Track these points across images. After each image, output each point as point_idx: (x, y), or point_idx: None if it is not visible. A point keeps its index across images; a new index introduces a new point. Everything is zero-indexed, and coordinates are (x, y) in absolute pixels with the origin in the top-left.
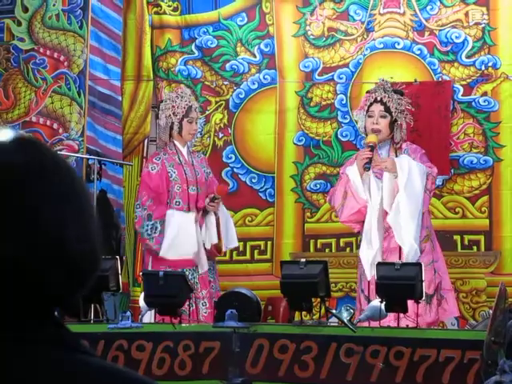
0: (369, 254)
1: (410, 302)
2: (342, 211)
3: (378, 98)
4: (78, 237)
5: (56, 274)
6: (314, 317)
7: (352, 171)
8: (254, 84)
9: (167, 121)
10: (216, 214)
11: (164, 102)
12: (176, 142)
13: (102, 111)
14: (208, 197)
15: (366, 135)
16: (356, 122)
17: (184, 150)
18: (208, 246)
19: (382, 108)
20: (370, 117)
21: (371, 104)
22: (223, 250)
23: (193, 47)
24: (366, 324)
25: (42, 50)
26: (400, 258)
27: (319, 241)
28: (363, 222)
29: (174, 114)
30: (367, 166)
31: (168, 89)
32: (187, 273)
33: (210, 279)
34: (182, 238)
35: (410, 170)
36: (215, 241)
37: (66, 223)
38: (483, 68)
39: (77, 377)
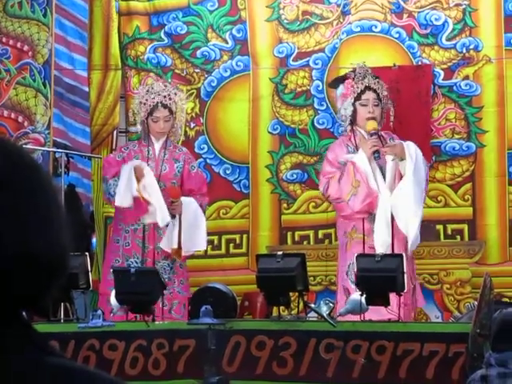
0: (384, 246)
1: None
2: (354, 201)
3: (370, 86)
4: (45, 235)
5: (23, 274)
6: (293, 312)
7: (360, 159)
8: (226, 71)
9: (136, 118)
10: (179, 217)
11: (135, 98)
12: (151, 136)
13: (70, 103)
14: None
15: (353, 124)
16: (337, 110)
17: (157, 145)
18: (168, 250)
19: (374, 96)
20: (363, 105)
21: (362, 92)
22: (183, 254)
23: (162, 34)
24: (356, 318)
25: (4, 40)
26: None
27: (297, 233)
28: (369, 213)
29: (140, 110)
30: (377, 155)
31: (137, 78)
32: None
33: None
34: (131, 184)
35: (417, 157)
36: (175, 246)
37: (33, 223)
38: (464, 51)
39: (45, 379)
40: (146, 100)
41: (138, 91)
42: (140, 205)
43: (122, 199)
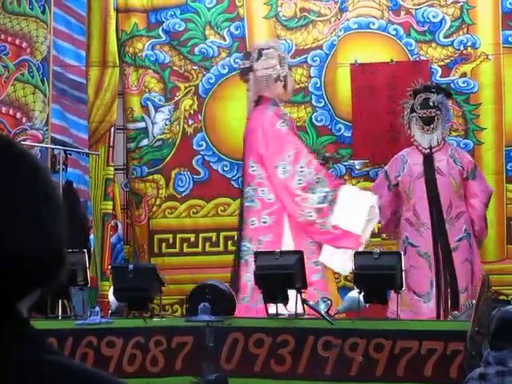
0: None
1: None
2: None
3: None
4: (45, 235)
5: (23, 274)
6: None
7: None
8: (224, 68)
9: (272, 73)
10: None
11: (266, 50)
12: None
13: (73, 99)
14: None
15: None
16: (446, 117)
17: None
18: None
19: None
20: None
21: None
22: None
23: (160, 31)
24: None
25: (3, 37)
26: None
27: None
28: None
29: (280, 64)
30: None
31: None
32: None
33: None
34: (354, 214)
35: None
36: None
37: (33, 223)
38: (462, 48)
39: (43, 377)
40: (284, 52)
41: (270, 44)
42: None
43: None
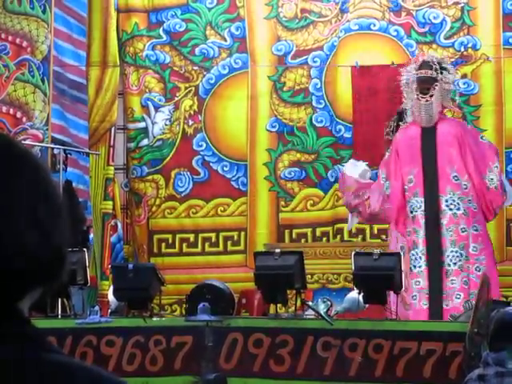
0: None
1: None
2: None
3: None
4: (45, 235)
5: (23, 273)
6: (290, 309)
7: None
8: (224, 69)
9: (450, 88)
10: None
11: (448, 65)
12: None
13: (73, 99)
14: None
15: None
16: None
17: None
18: None
19: None
20: None
21: None
22: None
23: (160, 31)
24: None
25: (3, 36)
26: None
27: (294, 231)
28: None
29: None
30: None
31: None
32: None
33: None
34: None
35: None
36: None
37: (33, 223)
38: (462, 49)
39: (43, 377)
40: None
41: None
42: None
43: None
